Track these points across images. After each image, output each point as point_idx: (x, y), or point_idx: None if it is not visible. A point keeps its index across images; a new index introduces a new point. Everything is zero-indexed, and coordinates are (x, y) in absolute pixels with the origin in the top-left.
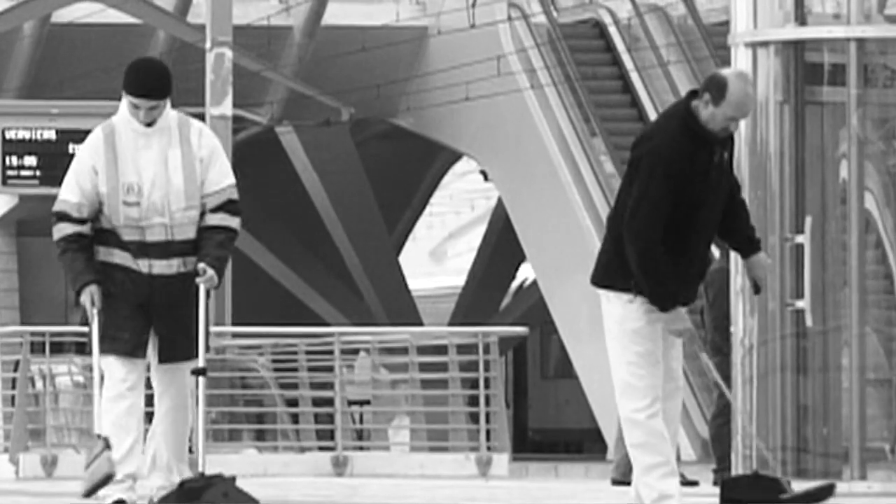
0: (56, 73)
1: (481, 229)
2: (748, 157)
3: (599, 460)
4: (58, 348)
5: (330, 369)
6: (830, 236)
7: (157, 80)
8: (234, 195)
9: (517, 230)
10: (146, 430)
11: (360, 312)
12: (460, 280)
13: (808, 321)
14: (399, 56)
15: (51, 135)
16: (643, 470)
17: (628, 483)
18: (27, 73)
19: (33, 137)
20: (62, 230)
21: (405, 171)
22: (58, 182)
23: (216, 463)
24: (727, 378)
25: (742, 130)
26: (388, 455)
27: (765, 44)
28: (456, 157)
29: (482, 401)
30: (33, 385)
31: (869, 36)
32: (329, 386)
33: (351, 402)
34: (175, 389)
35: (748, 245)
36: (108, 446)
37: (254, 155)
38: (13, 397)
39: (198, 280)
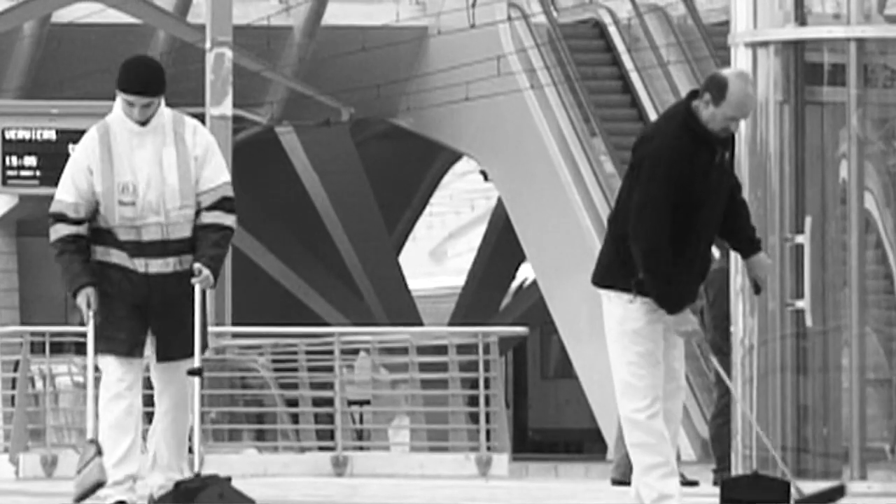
0: (56, 73)
1: (481, 229)
2: (748, 157)
3: (599, 460)
4: (58, 348)
5: (330, 369)
6: (830, 236)
7: (150, 78)
8: (230, 192)
9: (517, 230)
10: (146, 430)
11: (360, 312)
12: (460, 280)
13: (808, 321)
14: (399, 56)
15: (51, 135)
16: (643, 470)
17: (628, 483)
18: (27, 73)
19: (33, 137)
20: (59, 231)
21: (405, 171)
22: (57, 182)
23: (216, 463)
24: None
25: (742, 130)
26: (388, 455)
27: (765, 44)
28: (456, 157)
29: (482, 401)
30: (33, 385)
31: (869, 36)
32: (329, 386)
33: (351, 402)
34: (174, 388)
35: (748, 245)
36: (99, 452)
37: (254, 155)
38: (13, 397)
39: (193, 280)
